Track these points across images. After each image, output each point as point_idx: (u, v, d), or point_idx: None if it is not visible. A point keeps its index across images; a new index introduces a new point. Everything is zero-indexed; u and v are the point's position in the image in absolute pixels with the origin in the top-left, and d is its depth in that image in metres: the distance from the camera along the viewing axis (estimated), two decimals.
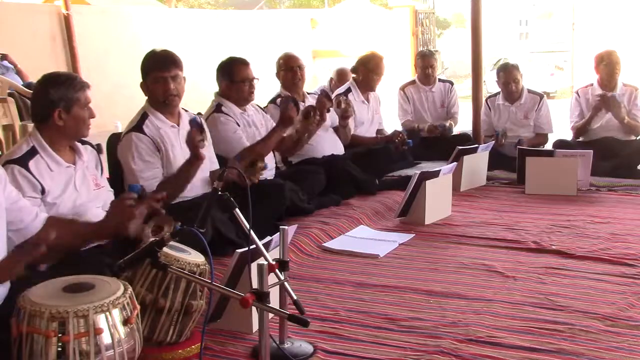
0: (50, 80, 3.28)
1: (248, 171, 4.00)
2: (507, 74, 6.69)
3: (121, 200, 3.23)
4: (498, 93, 6.88)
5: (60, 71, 3.46)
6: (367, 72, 6.46)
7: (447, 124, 6.92)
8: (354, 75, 6.58)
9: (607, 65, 6.34)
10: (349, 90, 6.45)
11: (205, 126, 4.27)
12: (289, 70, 5.72)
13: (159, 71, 3.99)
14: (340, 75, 7.36)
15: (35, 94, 3.40)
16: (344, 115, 5.88)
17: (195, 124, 3.86)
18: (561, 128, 6.93)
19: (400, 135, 6.38)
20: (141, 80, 4.06)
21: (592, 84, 6.52)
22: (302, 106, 5.70)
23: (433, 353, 2.88)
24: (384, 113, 6.94)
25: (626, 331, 3.04)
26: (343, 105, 5.82)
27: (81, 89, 3.28)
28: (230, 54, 5.02)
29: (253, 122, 4.96)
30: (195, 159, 3.89)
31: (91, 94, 3.36)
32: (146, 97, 4.10)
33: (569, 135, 6.71)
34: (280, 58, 5.84)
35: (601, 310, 3.27)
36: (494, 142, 6.44)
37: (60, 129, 3.25)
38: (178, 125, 4.12)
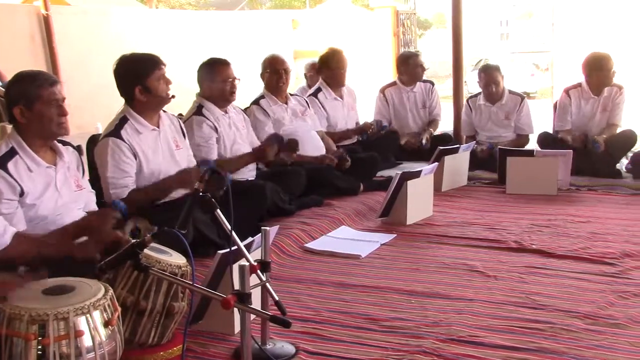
0: (14, 78, 3.22)
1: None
2: (488, 75, 6.73)
3: (108, 212, 3.21)
4: (479, 93, 6.91)
5: (29, 69, 3.33)
6: (331, 70, 6.51)
7: (425, 140, 6.91)
8: (322, 76, 6.61)
9: (599, 77, 6.32)
10: (319, 90, 6.49)
11: (181, 124, 4.31)
12: (275, 72, 5.71)
13: (159, 69, 3.99)
14: (314, 68, 7.35)
15: (4, 93, 3.36)
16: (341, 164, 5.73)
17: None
18: (542, 129, 6.97)
19: (372, 127, 6.44)
20: (132, 84, 3.95)
21: (580, 84, 6.51)
22: (285, 108, 5.70)
23: (415, 353, 2.89)
24: (365, 113, 6.95)
25: (606, 329, 3.07)
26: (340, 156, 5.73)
27: (43, 85, 3.18)
28: (211, 55, 5.01)
29: (234, 123, 4.96)
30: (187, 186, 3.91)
31: (72, 95, 3.31)
32: (124, 101, 4.06)
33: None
34: (267, 59, 5.81)
35: (581, 308, 3.29)
36: (474, 143, 6.50)
37: (26, 127, 3.19)
38: (158, 127, 4.10)
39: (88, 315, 2.28)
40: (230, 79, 4.82)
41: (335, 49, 6.65)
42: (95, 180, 3.93)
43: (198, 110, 4.80)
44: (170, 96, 4.04)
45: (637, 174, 6.06)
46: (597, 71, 6.33)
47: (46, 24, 12.24)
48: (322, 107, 6.39)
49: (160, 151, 4.06)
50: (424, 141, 6.90)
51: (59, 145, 3.39)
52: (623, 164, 6.43)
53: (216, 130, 4.78)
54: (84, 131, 5.97)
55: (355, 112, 6.83)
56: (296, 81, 13.51)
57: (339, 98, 6.59)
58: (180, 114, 4.86)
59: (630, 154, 6.39)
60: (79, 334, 2.25)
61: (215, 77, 4.80)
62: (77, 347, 2.25)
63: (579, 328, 3.08)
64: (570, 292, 3.54)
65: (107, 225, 3.14)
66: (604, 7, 16.18)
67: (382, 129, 6.65)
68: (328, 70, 6.52)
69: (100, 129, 7.70)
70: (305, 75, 7.67)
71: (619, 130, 6.38)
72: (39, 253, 3.01)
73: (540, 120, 7.10)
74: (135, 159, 3.96)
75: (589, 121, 6.32)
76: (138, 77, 3.96)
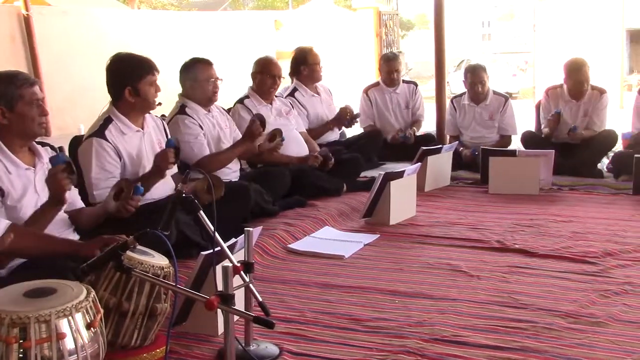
0: None
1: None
2: (474, 75, 6.76)
3: (54, 173, 3.15)
4: (464, 93, 6.94)
5: (7, 70, 3.30)
6: (309, 65, 6.54)
7: (408, 134, 6.96)
8: (296, 76, 6.63)
9: (575, 82, 6.38)
10: (295, 90, 6.50)
11: (165, 126, 4.28)
12: (270, 77, 5.69)
13: (153, 75, 4.00)
14: None
15: None
16: (325, 164, 5.76)
17: (171, 144, 3.87)
18: (524, 128, 7.01)
19: (350, 111, 6.47)
20: (123, 84, 3.94)
21: (562, 85, 6.56)
22: (270, 108, 5.69)
23: (398, 353, 2.89)
24: None
25: (587, 328, 3.09)
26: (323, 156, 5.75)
27: (24, 85, 3.16)
28: (194, 55, 4.99)
29: (217, 123, 4.95)
30: (159, 175, 3.90)
31: (53, 96, 3.28)
32: (110, 101, 4.04)
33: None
34: (263, 62, 5.78)
35: (563, 307, 3.32)
36: (457, 143, 6.53)
37: (7, 129, 3.16)
38: (143, 129, 4.09)
39: (70, 317, 2.26)
40: (213, 79, 4.81)
41: (305, 47, 6.70)
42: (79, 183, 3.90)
43: (181, 109, 4.79)
44: (157, 103, 4.04)
45: (618, 173, 6.11)
46: (569, 78, 6.43)
47: (27, 24, 12.13)
48: (302, 105, 6.41)
49: (144, 153, 4.04)
50: (407, 134, 6.93)
51: (38, 146, 3.36)
52: (604, 163, 6.49)
53: (201, 128, 4.78)
54: (65, 132, 5.94)
55: (334, 107, 6.82)
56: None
57: (315, 94, 6.61)
58: (163, 115, 4.84)
59: (611, 154, 6.44)
60: (61, 336, 2.23)
61: (197, 77, 4.79)
62: (59, 350, 2.23)
63: (561, 327, 3.10)
64: (553, 291, 3.56)
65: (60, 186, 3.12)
66: (583, 8, 16.31)
67: (356, 116, 6.69)
68: (306, 66, 6.53)
69: (83, 130, 7.69)
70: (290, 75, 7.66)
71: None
72: (42, 249, 3.01)
73: (522, 120, 7.14)
74: (120, 160, 3.94)
75: (571, 125, 6.34)
76: (131, 78, 3.95)
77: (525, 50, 29.67)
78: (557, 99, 6.52)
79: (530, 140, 6.52)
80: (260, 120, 4.92)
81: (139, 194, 3.35)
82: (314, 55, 6.57)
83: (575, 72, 6.37)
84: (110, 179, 3.87)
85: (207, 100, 4.86)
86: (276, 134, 5.21)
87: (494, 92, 6.85)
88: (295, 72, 6.62)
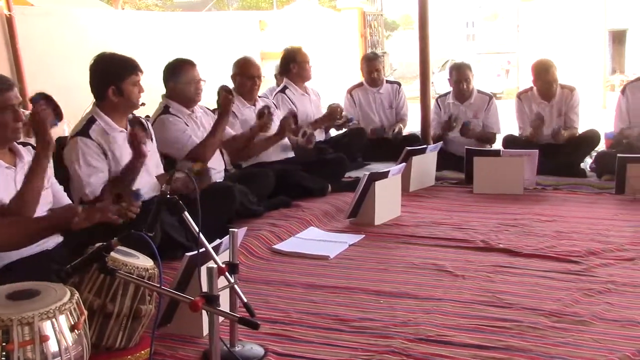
0: None
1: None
2: (460, 72, 6.80)
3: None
4: (449, 92, 6.98)
5: None
6: (298, 63, 6.55)
7: (397, 129, 6.99)
8: (286, 76, 6.64)
9: (543, 83, 6.44)
10: (285, 87, 6.50)
11: (148, 126, 4.26)
12: (249, 78, 5.68)
13: (137, 75, 3.99)
14: None
15: None
16: (308, 141, 5.89)
17: (136, 122, 3.87)
18: (508, 128, 7.04)
19: (340, 110, 6.52)
20: (106, 84, 3.93)
21: (532, 88, 6.61)
22: (253, 110, 5.69)
23: (384, 353, 2.89)
24: None
25: (571, 326, 3.10)
26: (307, 134, 5.84)
27: None
28: (178, 56, 4.98)
29: (201, 123, 4.94)
30: (138, 157, 3.86)
31: None
32: (93, 102, 4.03)
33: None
34: (241, 63, 5.77)
35: (547, 306, 3.33)
36: (442, 143, 6.55)
37: None
38: (126, 129, 4.08)
39: (53, 319, 2.25)
40: (196, 80, 4.81)
41: (295, 46, 6.71)
42: (63, 181, 3.88)
43: (165, 110, 4.79)
44: (140, 103, 4.02)
45: (601, 173, 6.16)
46: (538, 80, 6.50)
47: (9, 24, 12.01)
48: (292, 103, 6.41)
49: (128, 152, 4.02)
50: (396, 130, 6.96)
51: (19, 146, 3.34)
52: (587, 163, 6.53)
53: (186, 126, 4.77)
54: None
55: (321, 110, 6.84)
56: (262, 81, 13.49)
57: (305, 94, 6.62)
58: (147, 116, 4.83)
59: (594, 154, 6.49)
60: (44, 339, 2.22)
61: (180, 78, 4.78)
62: (43, 353, 2.21)
63: (545, 326, 3.11)
64: (537, 290, 3.58)
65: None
66: (566, 10, 16.41)
67: (349, 121, 6.71)
68: (295, 64, 6.54)
69: (67, 131, 7.62)
70: (275, 76, 7.67)
71: (581, 131, 6.48)
72: (29, 232, 3.01)
73: (506, 120, 7.17)
74: (106, 157, 3.93)
75: (547, 127, 6.37)
76: (114, 77, 3.94)
77: (510, 51, 29.80)
78: (529, 102, 6.57)
79: (512, 143, 6.53)
80: (268, 111, 5.05)
81: (139, 200, 3.34)
82: (303, 54, 6.59)
83: (544, 73, 6.42)
84: (99, 174, 3.87)
85: (190, 101, 4.85)
86: (264, 112, 5.23)
87: (479, 91, 6.89)
88: (285, 70, 6.63)
